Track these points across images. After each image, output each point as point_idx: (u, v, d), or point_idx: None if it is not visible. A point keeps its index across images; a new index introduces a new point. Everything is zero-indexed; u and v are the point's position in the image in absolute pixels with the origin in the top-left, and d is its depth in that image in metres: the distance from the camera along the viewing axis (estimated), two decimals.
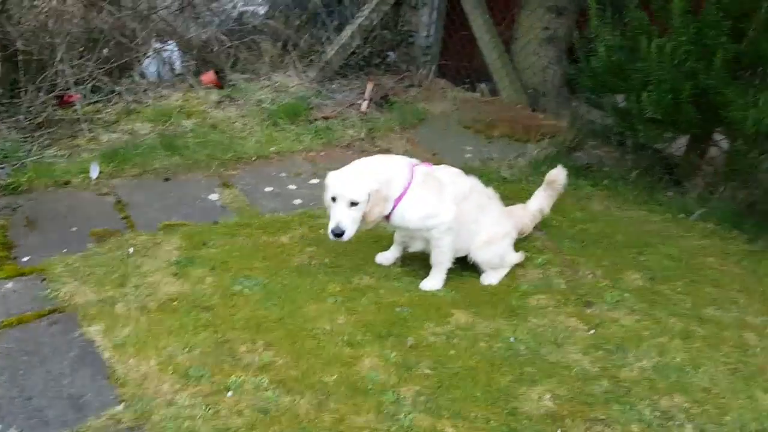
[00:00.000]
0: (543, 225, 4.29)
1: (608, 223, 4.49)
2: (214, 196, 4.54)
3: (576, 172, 5.18)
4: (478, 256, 3.65)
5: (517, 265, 3.84)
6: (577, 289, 3.66)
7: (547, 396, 2.84)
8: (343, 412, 2.66)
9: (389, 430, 2.60)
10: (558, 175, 4.03)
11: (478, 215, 3.61)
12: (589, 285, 3.71)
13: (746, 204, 4.60)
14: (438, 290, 3.58)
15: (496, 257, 3.67)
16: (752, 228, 4.44)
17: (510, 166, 5.15)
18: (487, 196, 3.77)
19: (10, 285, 3.40)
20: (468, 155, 5.43)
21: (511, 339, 3.21)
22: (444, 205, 3.42)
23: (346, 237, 3.21)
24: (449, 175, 3.55)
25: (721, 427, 2.72)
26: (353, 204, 3.19)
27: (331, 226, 3.20)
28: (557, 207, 4.57)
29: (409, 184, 3.33)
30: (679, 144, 5.13)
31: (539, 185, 4.92)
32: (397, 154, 5.31)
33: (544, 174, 5.06)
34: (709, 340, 3.27)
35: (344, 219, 3.18)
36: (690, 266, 3.98)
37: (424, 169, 3.45)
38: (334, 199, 3.22)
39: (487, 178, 4.87)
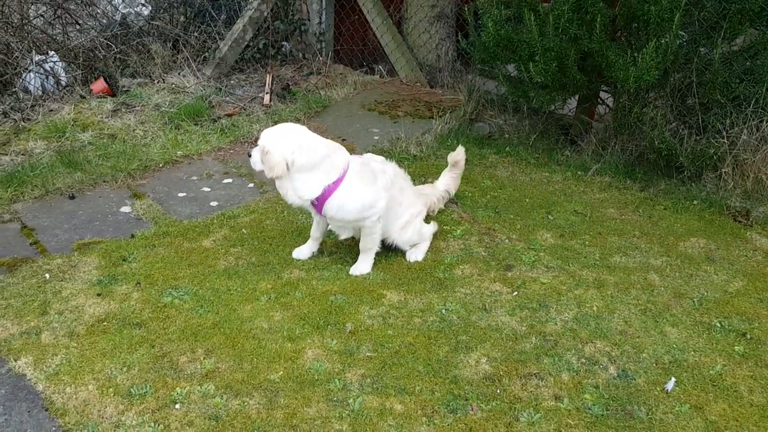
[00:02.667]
0: (457, 197, 4.48)
1: (516, 187, 4.73)
2: (126, 209, 4.42)
3: (480, 142, 5.41)
4: (398, 238, 3.79)
5: (439, 239, 4.00)
6: (496, 255, 3.87)
7: (484, 360, 3.02)
8: (294, 407, 2.73)
9: (341, 416, 2.69)
10: (459, 155, 4.21)
11: (402, 198, 3.74)
12: (507, 249, 3.92)
13: (636, 155, 4.98)
14: (368, 274, 3.68)
15: (415, 234, 3.82)
16: (644, 177, 4.82)
17: (418, 143, 5.29)
18: (403, 177, 3.88)
19: None
20: (376, 137, 5.53)
21: (443, 311, 3.37)
22: (378, 195, 3.52)
23: (251, 162, 3.60)
24: (378, 162, 3.66)
25: (639, 364, 2.99)
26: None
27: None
28: (467, 178, 4.78)
29: (344, 173, 3.42)
30: (571, 105, 5.45)
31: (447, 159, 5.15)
32: None
33: (450, 148, 5.27)
34: (620, 286, 3.56)
35: (255, 151, 3.55)
36: (594, 219, 4.29)
37: (357, 159, 3.55)
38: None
39: (397, 157, 5.02)
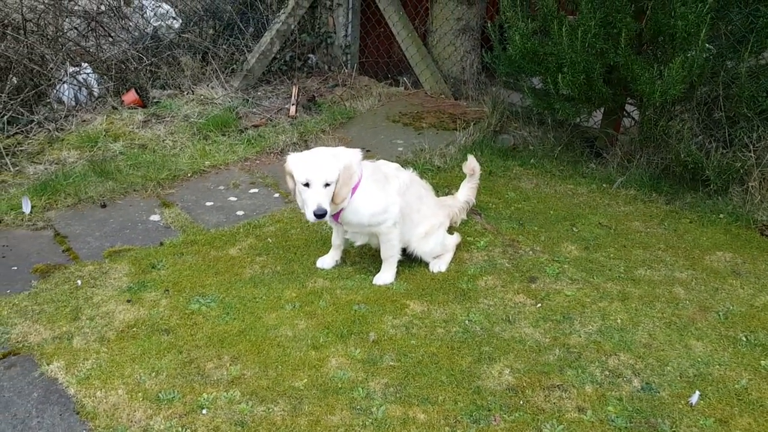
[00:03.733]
0: (480, 209, 4.50)
1: (540, 199, 4.74)
2: (155, 217, 4.51)
3: (504, 154, 5.43)
4: (420, 248, 3.80)
5: (462, 250, 4.02)
6: (520, 267, 3.87)
7: (507, 371, 3.03)
8: (318, 414, 2.76)
9: (364, 424, 2.72)
10: (472, 163, 4.16)
11: (420, 206, 3.74)
12: (531, 261, 3.93)
13: (661, 168, 4.96)
14: (391, 283, 3.71)
15: (438, 246, 3.84)
16: (669, 190, 4.79)
17: (442, 155, 5.33)
18: (423, 187, 3.92)
19: None
20: (400, 148, 5.58)
21: (466, 321, 3.38)
22: (391, 199, 3.52)
23: (327, 217, 3.28)
24: (391, 168, 3.67)
25: (664, 377, 2.98)
26: (327, 185, 3.23)
27: (312, 208, 3.20)
28: (492, 190, 4.81)
29: (361, 177, 3.41)
30: (596, 118, 5.45)
31: None
32: None
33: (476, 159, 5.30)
34: (644, 299, 3.54)
35: (323, 200, 3.21)
36: (619, 232, 4.28)
37: (369, 163, 3.55)
38: (307, 184, 3.23)
39: (421, 168, 5.07)
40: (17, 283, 3.72)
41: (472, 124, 5.83)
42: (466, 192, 4.19)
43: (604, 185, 4.97)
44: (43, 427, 2.73)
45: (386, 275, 3.73)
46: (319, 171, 3.20)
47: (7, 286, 3.69)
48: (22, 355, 3.16)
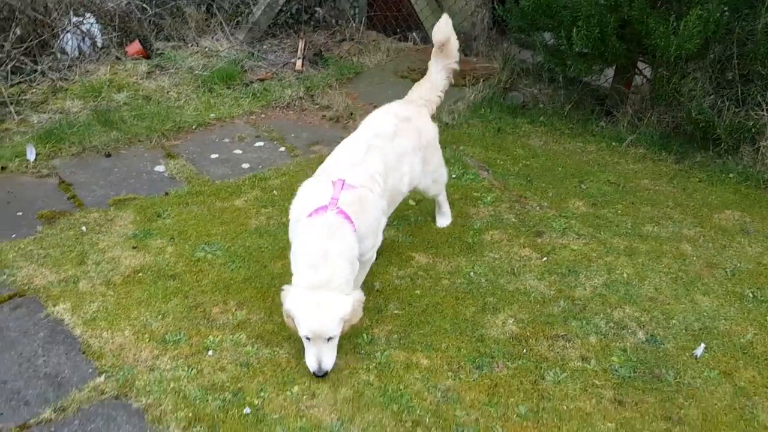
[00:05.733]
0: (488, 165, 4.46)
1: (549, 157, 4.69)
2: (160, 168, 4.49)
3: (513, 111, 5.36)
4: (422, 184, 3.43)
5: (469, 205, 4.00)
6: (527, 222, 3.85)
7: (511, 321, 3.03)
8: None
9: (368, 368, 2.74)
10: (442, 29, 3.55)
11: (402, 159, 3.18)
12: (538, 216, 3.90)
13: (672, 127, 4.89)
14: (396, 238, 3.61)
15: (431, 175, 3.46)
16: (679, 149, 4.73)
17: (450, 112, 5.26)
18: (399, 120, 3.26)
19: None
20: None
21: (471, 274, 3.37)
22: (379, 226, 3.00)
23: (330, 369, 2.67)
24: (366, 172, 2.94)
25: (669, 330, 2.98)
26: (330, 339, 2.64)
27: (313, 367, 2.63)
28: (500, 147, 4.76)
29: (353, 225, 2.75)
30: (607, 76, 5.35)
31: (480, 127, 5.11)
32: (336, 111, 5.36)
33: (483, 117, 5.25)
34: (651, 255, 3.52)
35: (327, 358, 2.63)
36: (627, 189, 4.24)
37: (347, 198, 2.80)
38: (307, 338, 2.64)
39: None
40: (22, 228, 3.71)
41: (481, 80, 5.74)
42: (442, 77, 3.60)
43: (613, 143, 4.91)
44: (49, 365, 2.75)
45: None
46: (322, 328, 2.59)
47: (12, 230, 3.69)
48: (27, 297, 3.17)
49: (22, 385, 2.66)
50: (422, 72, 6.04)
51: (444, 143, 4.36)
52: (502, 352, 2.83)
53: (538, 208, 4.00)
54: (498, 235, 3.72)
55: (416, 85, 3.65)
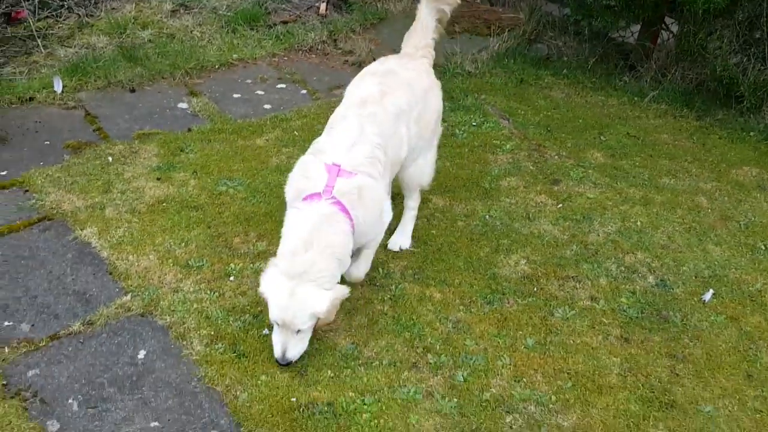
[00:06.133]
0: (509, 114, 4.47)
1: (570, 109, 4.69)
2: (183, 105, 4.54)
3: (537, 63, 5.33)
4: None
5: (487, 152, 4.03)
6: (544, 170, 3.89)
7: (523, 262, 3.10)
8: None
9: (383, 299, 2.83)
10: None
11: (398, 119, 2.85)
12: (556, 165, 3.94)
13: (695, 84, 4.85)
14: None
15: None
16: (701, 106, 4.71)
17: (473, 61, 5.24)
18: (381, 76, 2.94)
19: None
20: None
21: (486, 217, 3.44)
22: (385, 205, 2.77)
23: (296, 360, 2.52)
24: (363, 152, 2.64)
25: (679, 276, 3.04)
26: (299, 331, 2.48)
27: (277, 354, 2.48)
28: (522, 97, 4.75)
29: (348, 215, 2.54)
30: (633, 31, 5.29)
31: (503, 77, 5.09)
32: (359, 56, 5.36)
33: (506, 67, 5.22)
34: (666, 205, 3.56)
35: (292, 348, 2.47)
36: (646, 143, 4.25)
37: (343, 187, 2.55)
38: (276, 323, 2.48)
39: (451, 73, 5.01)
40: (50, 156, 3.80)
41: (506, 31, 5.69)
42: (431, 19, 3.28)
43: (635, 98, 4.89)
44: (78, 283, 2.87)
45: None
46: (288, 317, 2.43)
47: (40, 158, 3.78)
48: (55, 221, 3.28)
49: (52, 300, 2.79)
50: (449, 21, 6.03)
51: (466, 91, 4.39)
52: (513, 290, 2.91)
53: (556, 157, 4.03)
54: (515, 181, 3.76)
55: (407, 34, 3.32)
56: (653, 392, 2.47)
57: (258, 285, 2.52)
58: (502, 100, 4.73)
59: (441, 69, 5.08)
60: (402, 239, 3.19)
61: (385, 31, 5.87)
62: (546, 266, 3.07)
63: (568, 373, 2.53)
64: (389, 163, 2.75)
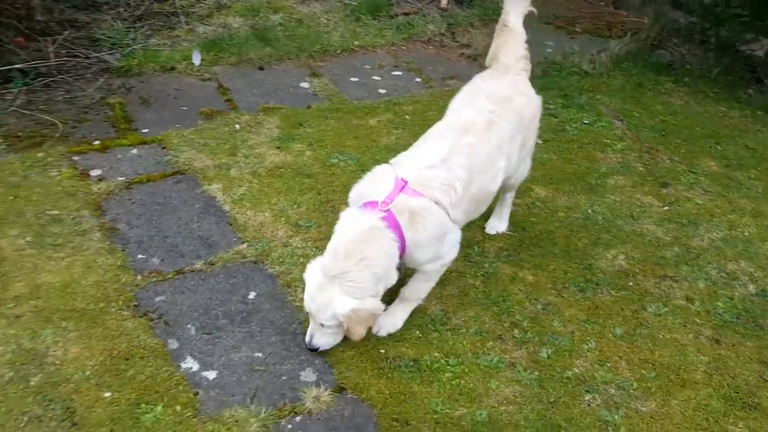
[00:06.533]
0: (623, 115, 4.44)
1: (687, 116, 4.58)
2: (305, 84, 4.84)
3: (657, 69, 5.23)
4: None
5: (596, 150, 4.04)
6: (654, 172, 3.85)
7: (621, 257, 3.11)
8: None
9: (476, 274, 2.95)
10: None
11: (497, 154, 2.77)
12: (667, 169, 3.88)
13: None
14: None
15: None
16: None
17: (591, 61, 5.22)
18: (495, 104, 2.81)
19: (135, 151, 3.83)
20: (549, 50, 5.51)
21: (589, 211, 3.47)
22: (449, 238, 2.65)
23: (324, 349, 2.57)
24: (441, 179, 2.58)
25: None
26: (323, 326, 2.51)
27: (306, 339, 2.57)
28: (638, 100, 4.69)
29: (399, 233, 2.49)
30: (763, 43, 5.08)
31: (620, 80, 5.03)
32: (475, 50, 5.47)
33: (626, 70, 5.15)
34: None
35: (318, 338, 2.54)
36: (765, 157, 4.10)
37: (402, 204, 2.51)
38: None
39: (567, 71, 5.02)
40: (186, 120, 4.19)
41: (628, 34, 5.62)
42: (521, 26, 3.09)
43: (759, 112, 4.71)
44: (202, 230, 3.19)
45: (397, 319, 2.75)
46: (314, 309, 2.49)
47: (177, 121, 4.17)
48: (187, 176, 3.62)
49: (180, 241, 3.12)
50: (568, 20, 6.04)
51: (581, 90, 4.41)
52: (607, 282, 2.94)
53: (668, 161, 3.97)
54: (622, 180, 3.76)
55: (498, 43, 3.09)
56: (738, 393, 2.45)
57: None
58: (617, 101, 4.70)
59: (557, 66, 5.12)
60: (498, 223, 3.25)
61: None
62: (644, 264, 3.07)
63: (653, 364, 2.54)
64: (469, 198, 2.63)
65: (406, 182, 2.52)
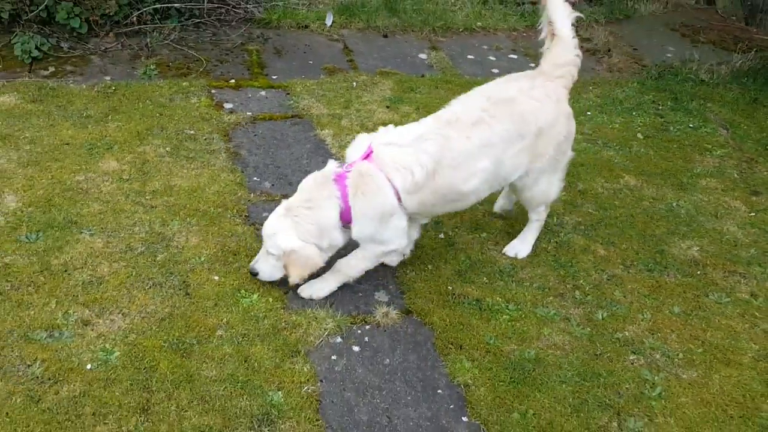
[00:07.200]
0: (730, 125, 4.44)
1: None
2: (423, 56, 5.15)
3: None
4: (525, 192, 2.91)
5: (695, 151, 4.11)
6: (748, 180, 3.87)
7: (695, 248, 3.22)
8: (513, 221, 3.27)
9: (549, 241, 3.16)
10: None
11: (478, 155, 2.65)
12: (762, 179, 3.89)
13: None
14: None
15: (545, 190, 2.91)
16: None
17: (709, 71, 5.18)
18: (491, 104, 2.72)
19: (263, 93, 4.29)
20: (669, 55, 5.52)
21: (674, 204, 3.57)
22: (392, 224, 2.65)
23: (262, 278, 2.72)
24: (401, 160, 2.59)
25: None
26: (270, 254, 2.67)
27: (253, 261, 2.74)
28: (750, 115, 4.66)
29: (344, 192, 2.60)
30: None
31: (735, 92, 4.98)
32: (595, 44, 5.57)
33: (744, 86, 5.08)
34: None
35: (261, 263, 2.70)
36: None
37: (356, 170, 2.62)
38: None
39: (682, 77, 5.04)
40: (310, 73, 4.62)
41: (754, 50, 5.50)
42: (569, 29, 2.95)
43: None
44: (310, 166, 3.57)
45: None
46: (265, 236, 2.66)
47: (302, 73, 4.61)
48: (303, 119, 4.04)
49: (289, 172, 3.53)
50: (694, 29, 5.99)
51: (692, 96, 4.47)
52: (676, 267, 3.07)
53: (765, 172, 3.97)
54: (714, 183, 3.81)
55: (547, 47, 2.97)
56: None
57: None
58: (727, 111, 4.68)
59: (673, 71, 5.15)
60: (521, 246, 3.05)
61: (627, 28, 5.99)
62: (717, 258, 3.17)
63: (702, 342, 2.67)
64: (431, 190, 2.61)
65: (371, 152, 2.61)
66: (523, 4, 6.13)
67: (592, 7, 6.21)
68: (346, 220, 2.61)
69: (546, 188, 2.89)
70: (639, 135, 4.26)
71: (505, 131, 2.65)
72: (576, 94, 4.61)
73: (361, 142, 2.72)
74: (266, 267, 2.68)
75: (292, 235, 2.57)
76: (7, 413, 2.12)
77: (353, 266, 2.74)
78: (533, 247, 3.06)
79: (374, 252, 2.72)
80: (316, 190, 2.62)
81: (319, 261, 2.62)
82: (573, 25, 2.93)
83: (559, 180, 2.93)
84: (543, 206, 2.99)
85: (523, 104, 2.71)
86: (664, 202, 3.58)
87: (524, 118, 2.69)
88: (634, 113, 4.53)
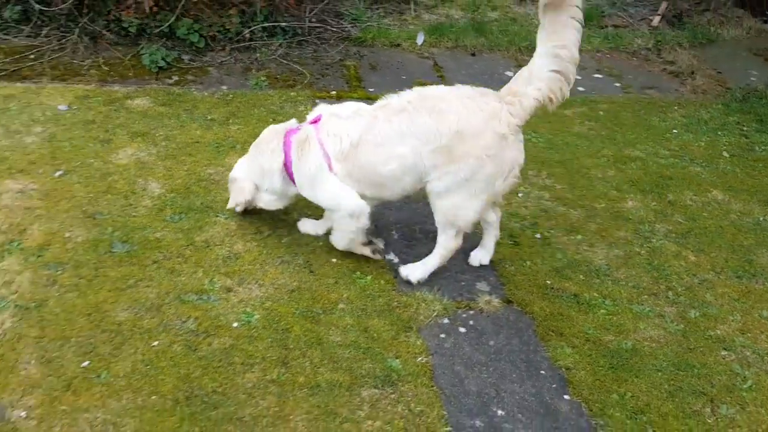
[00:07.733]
0: None
1: None
2: (509, 73, 5.38)
3: None
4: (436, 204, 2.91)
5: None
6: None
7: None
8: (607, 225, 3.45)
9: (642, 245, 3.33)
10: None
11: (397, 141, 2.78)
12: None
13: None
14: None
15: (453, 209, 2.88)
16: None
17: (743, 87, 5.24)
18: (419, 100, 2.86)
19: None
20: (752, 78, 5.59)
21: (761, 219, 3.67)
22: (325, 187, 2.90)
23: (229, 206, 3.19)
24: (333, 127, 2.88)
25: None
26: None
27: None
28: None
29: (288, 148, 2.97)
30: None
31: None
32: (678, 67, 5.69)
33: None
34: None
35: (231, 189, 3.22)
36: None
37: (303, 130, 2.97)
38: None
39: (767, 100, 5.12)
40: (403, 86, 4.58)
41: None
42: (546, 63, 2.87)
43: None
44: None
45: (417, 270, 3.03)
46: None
47: (396, 86, 4.61)
48: None
49: None
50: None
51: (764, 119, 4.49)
52: (765, 275, 3.19)
53: None
54: None
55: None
56: None
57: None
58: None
59: (758, 94, 5.23)
60: (416, 269, 3.00)
61: (710, 52, 6.08)
62: None
63: None
64: (358, 165, 2.81)
65: (320, 118, 2.95)
66: (606, 27, 6.32)
67: (675, 32, 6.35)
68: (289, 172, 2.98)
69: (456, 205, 2.82)
70: (725, 153, 4.37)
71: (424, 124, 2.74)
72: (662, 114, 4.80)
73: (318, 110, 3.06)
74: (231, 200, 3.15)
75: (243, 168, 3.11)
76: (171, 357, 2.48)
77: (333, 239, 3.03)
78: (429, 275, 2.97)
79: (336, 220, 2.95)
80: (266, 138, 3.07)
81: (246, 191, 3.06)
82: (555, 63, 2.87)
83: (475, 210, 2.84)
84: (452, 230, 2.90)
85: (450, 106, 2.77)
86: (752, 216, 3.69)
87: (444, 116, 2.74)
88: (719, 133, 4.64)
